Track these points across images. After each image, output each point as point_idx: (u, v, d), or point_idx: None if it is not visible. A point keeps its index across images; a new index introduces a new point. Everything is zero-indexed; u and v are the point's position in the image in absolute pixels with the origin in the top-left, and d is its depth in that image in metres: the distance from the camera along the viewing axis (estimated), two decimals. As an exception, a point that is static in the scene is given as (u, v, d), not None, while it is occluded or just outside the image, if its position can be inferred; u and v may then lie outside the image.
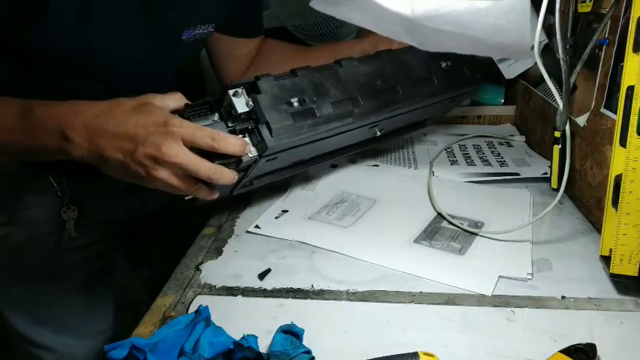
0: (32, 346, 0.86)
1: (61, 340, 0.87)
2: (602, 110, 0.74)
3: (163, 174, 0.54)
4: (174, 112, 0.57)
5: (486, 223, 0.76)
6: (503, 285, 0.62)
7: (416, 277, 0.64)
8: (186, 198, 0.63)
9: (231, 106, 0.58)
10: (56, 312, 0.85)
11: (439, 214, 0.79)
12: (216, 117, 0.59)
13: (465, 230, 0.74)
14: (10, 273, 0.81)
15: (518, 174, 0.91)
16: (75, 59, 0.64)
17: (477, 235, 0.73)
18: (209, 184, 0.60)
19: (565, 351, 0.49)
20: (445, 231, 0.74)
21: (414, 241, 0.72)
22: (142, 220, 0.91)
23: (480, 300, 0.60)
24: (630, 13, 0.56)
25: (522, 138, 1.09)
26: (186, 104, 0.59)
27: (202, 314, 0.55)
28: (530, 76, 1.09)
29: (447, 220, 0.77)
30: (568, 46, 0.78)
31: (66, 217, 0.77)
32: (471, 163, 0.96)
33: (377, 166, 0.97)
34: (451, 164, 0.97)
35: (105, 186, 0.80)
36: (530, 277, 0.63)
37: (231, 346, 0.50)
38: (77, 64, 0.65)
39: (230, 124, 0.59)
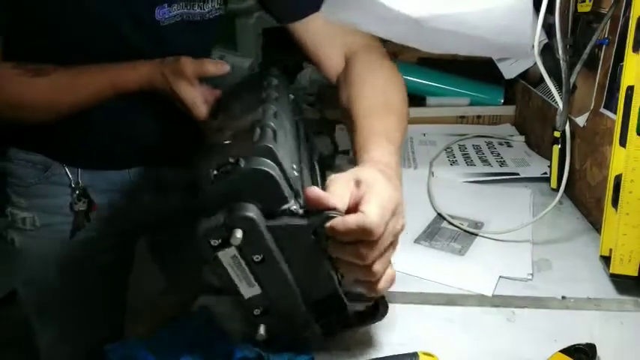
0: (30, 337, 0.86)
1: (56, 343, 0.86)
2: (602, 110, 0.74)
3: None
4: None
5: (486, 223, 0.76)
6: (503, 285, 0.62)
7: (416, 278, 0.64)
8: None
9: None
10: (62, 307, 0.85)
11: (439, 214, 0.79)
12: None
13: (464, 230, 0.74)
14: (27, 256, 0.83)
15: (517, 174, 0.91)
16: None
17: (476, 235, 0.73)
18: None
19: (565, 351, 0.49)
20: (445, 231, 0.74)
21: (414, 242, 0.72)
22: (159, 221, 0.89)
23: (480, 300, 0.60)
24: (630, 12, 0.56)
25: (522, 138, 1.09)
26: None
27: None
28: (529, 76, 1.09)
29: (447, 221, 0.77)
30: (568, 46, 0.78)
31: (77, 209, 0.79)
32: (470, 164, 0.96)
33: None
34: (451, 164, 0.96)
35: (121, 182, 0.82)
36: (530, 277, 0.63)
37: (231, 346, 0.50)
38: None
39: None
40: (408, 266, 0.66)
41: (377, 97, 0.63)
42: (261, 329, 0.46)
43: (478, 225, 0.75)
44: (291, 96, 0.68)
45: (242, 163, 0.42)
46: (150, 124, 0.78)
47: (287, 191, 0.44)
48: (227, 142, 0.49)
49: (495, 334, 0.55)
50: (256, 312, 0.46)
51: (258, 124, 0.48)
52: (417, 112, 1.19)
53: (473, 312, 0.58)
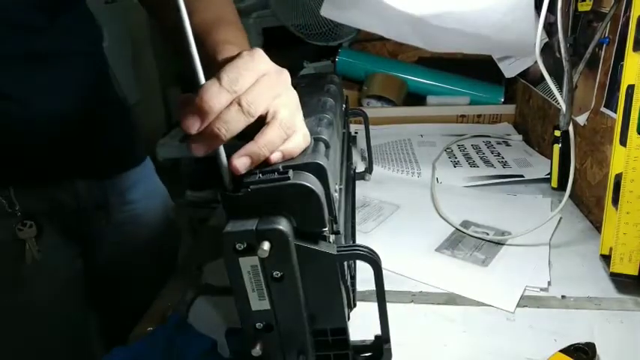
0: None
1: None
2: (602, 109, 0.74)
3: None
4: None
5: (512, 232, 0.73)
6: (503, 284, 0.62)
7: (414, 279, 0.64)
8: None
9: None
10: None
11: (463, 222, 0.77)
12: None
13: (489, 241, 0.71)
14: None
15: (522, 175, 0.91)
16: None
17: (502, 245, 0.71)
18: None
19: (565, 350, 0.49)
20: (469, 240, 0.72)
21: (436, 250, 0.70)
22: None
23: (479, 300, 0.60)
24: (630, 12, 0.56)
25: (520, 137, 1.09)
26: None
27: (171, 321, 0.55)
28: (530, 75, 1.09)
29: (470, 230, 0.74)
30: (568, 45, 0.78)
31: (23, 236, 0.65)
32: (473, 165, 0.96)
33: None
34: (454, 166, 0.96)
35: (63, 197, 0.69)
36: (548, 285, 0.62)
37: (210, 345, 0.50)
38: None
39: None
40: (428, 277, 0.64)
41: (213, 12, 0.58)
42: (258, 346, 0.44)
43: (504, 234, 0.73)
44: (344, 106, 0.65)
45: (291, 175, 0.40)
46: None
47: (327, 215, 0.42)
48: None
49: (495, 334, 0.55)
50: (258, 326, 0.44)
51: (313, 134, 0.46)
52: (416, 111, 1.20)
53: (472, 311, 0.58)
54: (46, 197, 0.67)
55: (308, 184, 0.39)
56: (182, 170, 1.80)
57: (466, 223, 0.76)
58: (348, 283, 0.49)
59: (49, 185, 0.67)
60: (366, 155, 0.92)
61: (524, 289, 0.61)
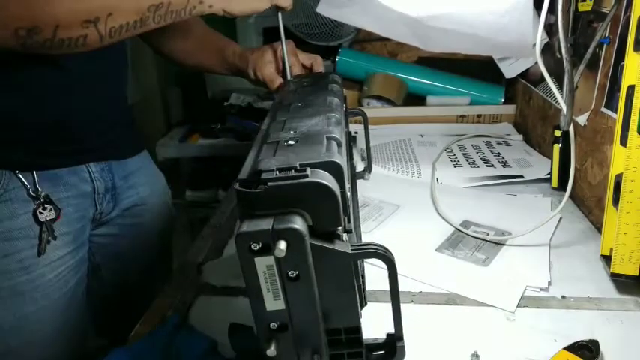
0: None
1: None
2: (603, 109, 0.74)
3: None
4: None
5: (512, 232, 0.73)
6: (503, 284, 0.62)
7: (415, 279, 0.64)
8: None
9: None
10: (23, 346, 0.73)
11: (464, 222, 0.77)
12: None
13: (489, 241, 0.71)
14: None
15: (522, 176, 0.91)
16: None
17: (502, 245, 0.71)
18: None
19: (569, 348, 0.50)
20: (469, 240, 0.72)
21: (436, 250, 0.70)
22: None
23: (480, 300, 0.60)
24: (630, 12, 0.56)
25: (520, 137, 1.09)
26: None
27: (171, 321, 0.55)
28: (530, 75, 1.09)
29: (471, 230, 0.74)
30: (569, 45, 0.78)
31: (43, 219, 0.70)
32: (473, 165, 0.96)
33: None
34: (454, 166, 0.96)
35: (80, 184, 0.75)
36: (548, 285, 0.62)
37: (210, 345, 0.50)
38: None
39: None
40: (429, 276, 0.64)
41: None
42: (273, 345, 0.43)
43: (505, 234, 0.73)
44: (345, 105, 0.66)
45: (309, 173, 0.39)
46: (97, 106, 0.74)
47: (342, 214, 0.41)
48: (291, 142, 0.47)
49: (495, 334, 0.55)
50: (272, 326, 0.43)
51: (326, 133, 0.47)
52: (416, 111, 1.20)
53: (472, 312, 0.58)
54: (64, 182, 0.73)
55: (327, 183, 0.39)
56: (182, 170, 1.80)
57: (466, 223, 0.76)
58: (360, 282, 0.49)
59: (68, 170, 0.73)
60: (366, 155, 0.92)
61: (525, 289, 0.61)
